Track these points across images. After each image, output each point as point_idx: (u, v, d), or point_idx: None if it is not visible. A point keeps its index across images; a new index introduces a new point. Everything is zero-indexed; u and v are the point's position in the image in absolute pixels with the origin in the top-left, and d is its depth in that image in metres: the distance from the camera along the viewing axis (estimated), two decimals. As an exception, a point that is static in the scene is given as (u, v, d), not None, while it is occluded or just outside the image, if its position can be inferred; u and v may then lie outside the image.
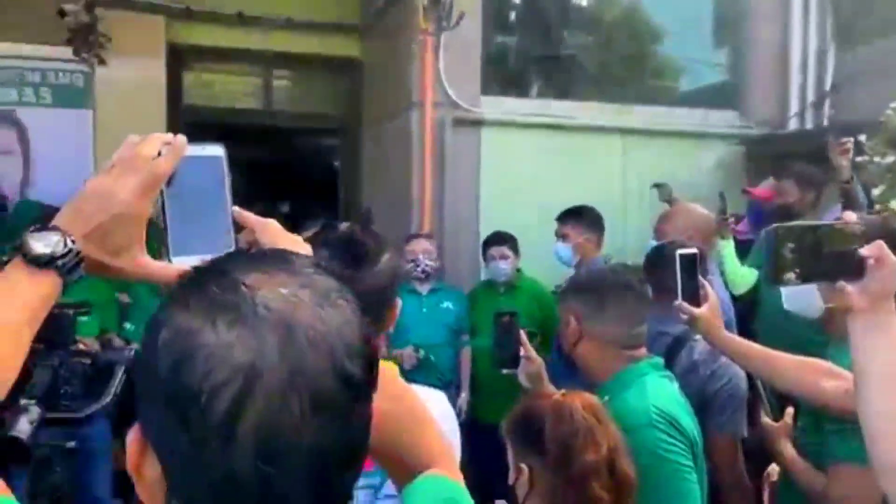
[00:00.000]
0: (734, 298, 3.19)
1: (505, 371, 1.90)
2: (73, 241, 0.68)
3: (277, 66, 5.55)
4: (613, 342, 1.70)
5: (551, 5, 5.31)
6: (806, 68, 5.02)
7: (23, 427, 0.71)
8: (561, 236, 3.55)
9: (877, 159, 3.76)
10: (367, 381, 0.56)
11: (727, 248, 3.40)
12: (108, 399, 0.80)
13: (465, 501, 0.82)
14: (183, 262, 0.67)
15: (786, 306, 1.86)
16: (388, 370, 0.98)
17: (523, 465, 1.40)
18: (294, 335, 0.52)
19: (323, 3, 5.20)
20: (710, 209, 3.26)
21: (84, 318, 2.69)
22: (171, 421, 0.51)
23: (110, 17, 4.55)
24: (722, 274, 3.32)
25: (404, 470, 0.83)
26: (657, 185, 4.07)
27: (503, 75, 5.10)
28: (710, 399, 2.04)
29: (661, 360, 1.77)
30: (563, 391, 1.50)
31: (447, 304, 3.74)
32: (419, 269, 3.63)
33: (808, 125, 4.97)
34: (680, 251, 1.80)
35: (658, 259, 2.27)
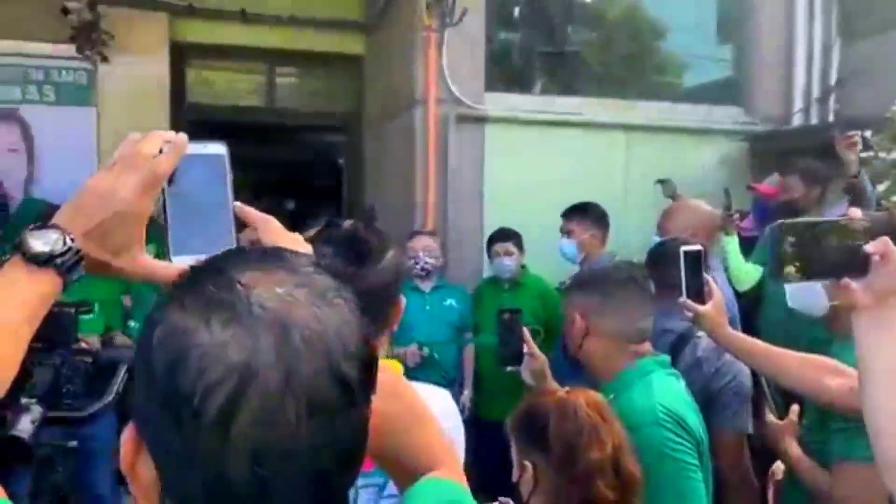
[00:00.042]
0: (738, 295, 3.18)
1: (508, 368, 1.90)
2: (72, 240, 0.67)
3: (281, 64, 5.55)
4: (619, 337, 1.70)
5: (555, 1, 5.29)
6: (810, 64, 5.00)
7: (24, 426, 0.70)
8: (566, 233, 3.55)
9: (882, 155, 3.75)
10: (365, 383, 0.55)
11: (731, 244, 3.39)
12: (110, 398, 0.80)
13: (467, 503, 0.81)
14: (183, 262, 0.67)
15: (790, 304, 1.86)
16: (389, 369, 0.97)
17: (527, 463, 1.40)
18: (289, 335, 0.51)
19: (326, 0, 5.19)
20: (715, 205, 3.25)
21: (89, 316, 2.70)
22: (165, 420, 0.51)
23: (113, 14, 4.55)
24: (726, 270, 3.31)
25: (405, 472, 0.83)
26: (661, 182, 4.06)
27: (507, 72, 5.09)
28: (715, 396, 2.04)
29: (667, 358, 1.76)
30: (567, 388, 1.50)
31: (450, 302, 3.74)
32: (419, 266, 3.63)
33: (813, 121, 4.95)
34: (684, 248, 1.80)
35: (661, 255, 2.27)
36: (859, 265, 1.18)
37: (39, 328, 0.69)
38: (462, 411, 3.19)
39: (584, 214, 3.55)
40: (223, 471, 0.49)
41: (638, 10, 5.48)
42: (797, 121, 4.96)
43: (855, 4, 5.02)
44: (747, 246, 3.51)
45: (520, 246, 3.73)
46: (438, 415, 0.95)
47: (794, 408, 1.87)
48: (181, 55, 5.09)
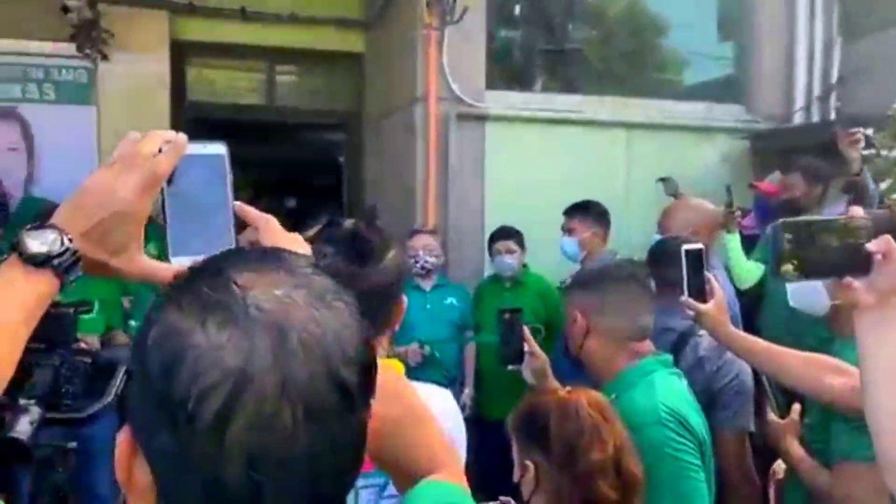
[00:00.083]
0: (739, 293, 3.17)
1: (509, 367, 1.90)
2: (70, 240, 0.67)
3: (281, 62, 5.54)
4: (620, 336, 1.69)
5: (555, -1, 5.29)
6: (811, 62, 4.99)
7: (23, 428, 0.70)
8: (567, 231, 3.54)
9: (884, 153, 3.74)
10: (364, 388, 0.54)
11: (733, 241, 3.39)
12: (109, 398, 0.80)
13: None
14: (182, 262, 0.66)
15: (791, 303, 1.85)
16: (390, 371, 0.97)
17: (528, 463, 1.39)
18: (286, 338, 0.50)
19: (326, -2, 5.19)
20: (716, 203, 3.24)
21: (90, 316, 2.69)
22: (160, 423, 0.50)
23: (113, 12, 4.55)
24: (727, 268, 3.30)
25: (405, 474, 0.82)
26: (663, 180, 4.06)
27: (507, 69, 5.08)
28: (717, 395, 2.03)
29: (669, 357, 1.75)
30: (568, 388, 1.49)
31: (451, 301, 3.73)
32: (419, 265, 3.62)
33: (814, 119, 4.94)
34: (686, 246, 1.80)
35: (661, 254, 2.26)
36: (861, 264, 1.18)
37: (38, 328, 0.68)
38: (463, 410, 3.19)
39: (586, 212, 3.54)
40: (218, 476, 0.49)
41: (639, 7, 5.46)
42: (798, 119, 4.95)
43: (856, 2, 5.01)
44: (749, 244, 3.50)
45: (521, 244, 3.72)
46: (439, 415, 0.95)
47: (796, 407, 1.87)
48: (181, 53, 5.09)
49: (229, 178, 0.75)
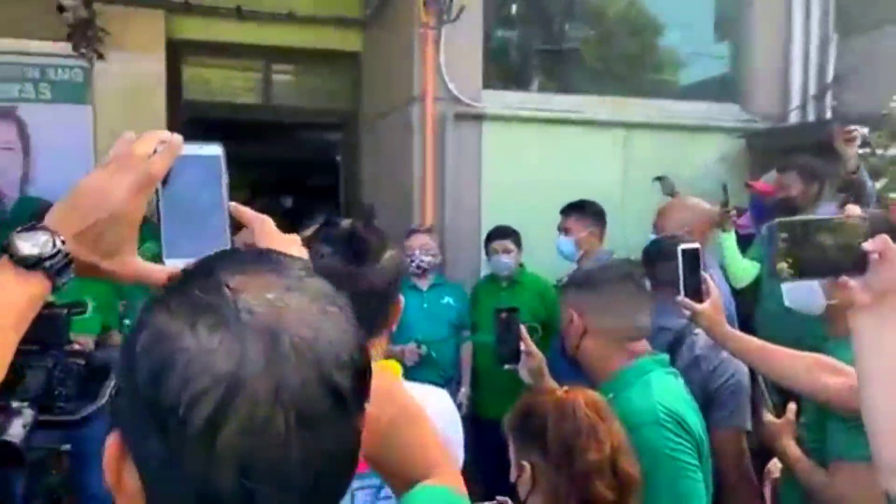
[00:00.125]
0: (735, 292, 3.17)
1: (506, 367, 1.90)
2: (62, 242, 0.66)
3: (277, 61, 5.53)
4: (617, 336, 1.69)
5: (553, -2, 5.28)
6: (807, 60, 5.00)
7: (16, 431, 0.70)
8: (564, 230, 3.54)
9: (879, 151, 3.75)
10: (358, 393, 0.53)
11: (729, 240, 3.39)
12: (103, 400, 0.79)
13: None
14: (176, 264, 0.65)
15: (787, 303, 1.85)
16: (387, 373, 0.96)
17: (525, 463, 1.39)
18: (279, 342, 0.49)
19: (323, -3, 5.19)
20: (713, 203, 3.24)
21: (86, 316, 2.68)
22: (149, 429, 0.49)
23: (109, 11, 4.54)
24: (723, 267, 3.31)
25: (401, 476, 0.82)
26: (659, 179, 4.06)
27: (505, 69, 5.08)
28: (713, 395, 2.03)
29: (665, 357, 1.75)
30: (565, 388, 1.49)
31: (448, 300, 3.73)
32: (415, 264, 3.62)
33: (811, 118, 4.95)
34: (682, 246, 1.79)
35: (656, 253, 2.26)
36: (857, 263, 1.18)
37: (31, 330, 0.67)
38: (459, 409, 3.19)
39: (582, 212, 3.54)
40: (209, 483, 0.48)
41: (636, 7, 5.47)
42: (794, 118, 4.96)
43: (851, 1, 5.01)
44: (744, 243, 3.51)
45: (518, 243, 3.72)
46: (435, 415, 0.95)
47: (791, 406, 1.87)
48: (177, 52, 5.08)
49: (225, 179, 0.74)
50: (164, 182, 0.72)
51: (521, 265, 3.77)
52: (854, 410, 1.27)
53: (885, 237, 1.18)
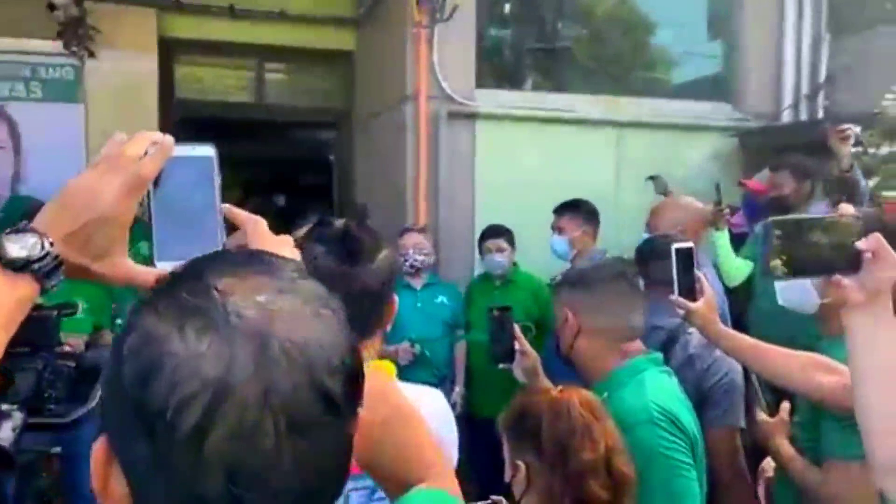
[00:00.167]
0: (727, 290, 3.18)
1: (501, 366, 1.89)
2: (51, 244, 0.65)
3: (270, 60, 5.51)
4: (611, 336, 1.69)
5: (545, -3, 5.28)
6: (800, 59, 5.01)
7: (5, 434, 0.69)
8: (557, 229, 3.54)
9: (871, 150, 3.76)
10: (350, 398, 0.52)
11: (721, 238, 3.40)
12: (93, 403, 0.78)
13: None
14: (168, 267, 0.65)
15: (780, 301, 1.85)
16: (381, 375, 0.96)
17: (520, 463, 1.39)
18: (269, 346, 0.48)
19: (315, -4, 5.17)
20: (706, 202, 3.25)
21: (78, 316, 2.66)
22: (136, 434, 0.48)
23: (100, 9, 4.52)
24: (716, 266, 3.31)
25: (395, 478, 0.81)
26: (652, 178, 4.07)
27: (498, 68, 5.08)
28: (707, 394, 2.03)
29: (659, 356, 1.75)
30: (560, 387, 1.49)
31: (442, 299, 3.73)
32: (408, 263, 3.61)
33: (803, 117, 4.97)
34: (676, 245, 1.79)
35: (649, 252, 2.26)
36: (851, 262, 1.18)
37: (20, 332, 0.66)
38: (453, 408, 3.18)
39: (576, 211, 3.55)
40: (197, 489, 0.47)
41: (628, 6, 5.48)
42: (787, 117, 4.97)
43: (843, 1, 5.03)
44: (737, 242, 3.52)
45: (511, 242, 3.72)
46: (429, 415, 0.94)
47: (785, 405, 1.87)
48: (169, 51, 5.05)
49: (218, 180, 0.73)
50: (156, 183, 0.71)
51: (514, 264, 3.76)
52: (848, 409, 1.28)
53: (879, 236, 1.18)
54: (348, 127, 5.55)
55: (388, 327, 1.33)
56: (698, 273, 1.80)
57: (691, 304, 1.75)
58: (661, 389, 1.62)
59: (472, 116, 4.40)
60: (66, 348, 0.85)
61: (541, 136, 4.53)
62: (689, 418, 1.61)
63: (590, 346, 1.70)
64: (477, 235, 3.89)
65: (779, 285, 1.82)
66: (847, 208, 1.25)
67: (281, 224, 0.79)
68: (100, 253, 0.69)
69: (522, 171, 4.41)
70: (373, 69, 5.06)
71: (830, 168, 3.42)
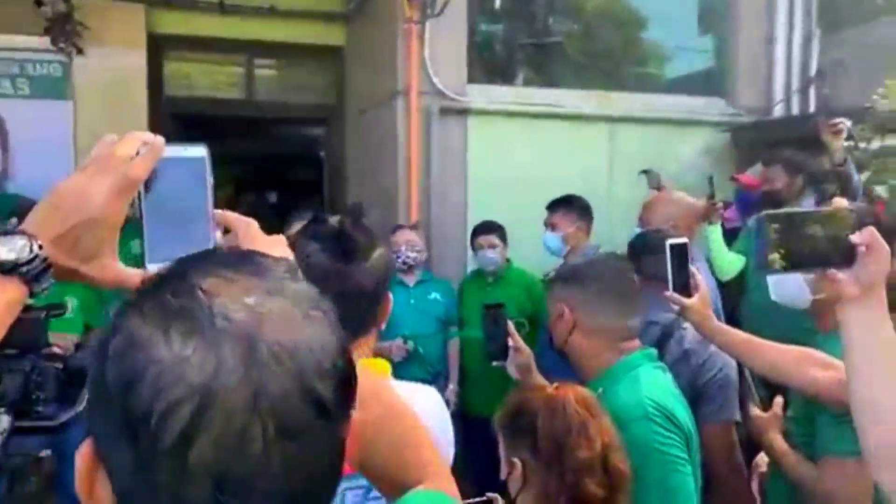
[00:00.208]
0: (720, 285, 3.19)
1: (494, 363, 1.89)
2: (40, 247, 0.64)
3: (260, 56, 5.48)
4: (610, 335, 1.68)
5: (537, -8, 5.27)
6: (791, 55, 5.03)
7: (-9, 438, 0.67)
8: (550, 226, 3.53)
9: (862, 145, 3.77)
10: (341, 402, 0.51)
11: (714, 233, 3.40)
12: (82, 406, 0.77)
13: None
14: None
15: (773, 297, 1.86)
16: (376, 374, 0.95)
17: (516, 460, 1.38)
18: (257, 350, 0.47)
19: (306, -9, 5.14)
20: (698, 196, 3.25)
21: (68, 316, 2.63)
22: (121, 439, 0.47)
23: (87, 5, 4.47)
24: (709, 260, 3.32)
25: (390, 481, 0.80)
26: (645, 172, 4.07)
27: (489, 63, 5.06)
28: (702, 390, 2.03)
29: (653, 351, 1.74)
30: (555, 384, 1.48)
31: (435, 296, 3.72)
32: (401, 260, 3.60)
33: (795, 111, 4.98)
34: (670, 241, 1.79)
35: (641, 247, 2.26)
36: (845, 256, 1.18)
37: (9, 333, 0.65)
38: (447, 405, 3.17)
39: (569, 207, 3.54)
40: (182, 497, 0.46)
41: (619, 1, 5.47)
42: (779, 112, 4.99)
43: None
44: (730, 237, 3.52)
45: (504, 238, 3.71)
46: (423, 413, 0.93)
47: (778, 400, 1.87)
48: (158, 47, 5.01)
49: (210, 181, 0.72)
50: (147, 185, 0.70)
51: (507, 260, 3.76)
52: (843, 404, 1.28)
53: (872, 229, 1.18)
54: (339, 123, 5.52)
55: (383, 326, 1.32)
56: (693, 268, 1.80)
57: (686, 300, 1.75)
58: (655, 385, 1.61)
59: (464, 112, 4.39)
60: (55, 350, 0.84)
61: (533, 131, 4.52)
62: (683, 414, 1.61)
63: (588, 344, 1.69)
64: (469, 231, 3.88)
65: (771, 280, 1.82)
66: (841, 202, 1.25)
67: (273, 221, 0.78)
68: (89, 255, 0.68)
69: (515, 167, 4.40)
70: (363, 65, 5.03)
71: (823, 162, 3.43)
